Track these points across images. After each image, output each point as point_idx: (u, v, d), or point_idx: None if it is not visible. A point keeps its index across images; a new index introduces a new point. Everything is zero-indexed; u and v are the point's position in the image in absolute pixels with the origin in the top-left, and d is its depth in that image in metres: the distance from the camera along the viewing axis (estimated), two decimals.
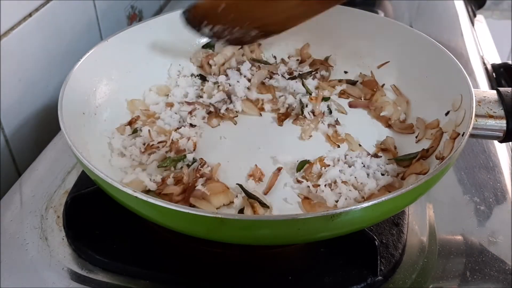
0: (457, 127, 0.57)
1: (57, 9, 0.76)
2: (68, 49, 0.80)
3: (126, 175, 0.57)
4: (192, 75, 0.75)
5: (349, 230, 0.48)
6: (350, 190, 0.55)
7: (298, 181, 0.57)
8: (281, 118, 0.68)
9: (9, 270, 0.53)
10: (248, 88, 0.71)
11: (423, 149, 0.58)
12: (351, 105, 0.70)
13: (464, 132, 0.52)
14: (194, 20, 0.61)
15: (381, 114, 0.67)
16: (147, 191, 0.55)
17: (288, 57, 0.78)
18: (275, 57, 0.79)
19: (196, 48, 0.77)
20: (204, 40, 0.76)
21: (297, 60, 0.78)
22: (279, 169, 0.59)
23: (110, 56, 0.67)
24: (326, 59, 0.77)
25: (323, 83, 0.74)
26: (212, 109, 0.68)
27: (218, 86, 0.71)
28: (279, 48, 0.79)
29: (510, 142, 0.62)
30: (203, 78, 0.74)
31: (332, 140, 0.64)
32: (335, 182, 0.56)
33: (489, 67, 0.91)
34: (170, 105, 0.69)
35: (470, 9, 1.12)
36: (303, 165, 0.59)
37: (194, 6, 0.60)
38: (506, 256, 0.54)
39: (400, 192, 0.44)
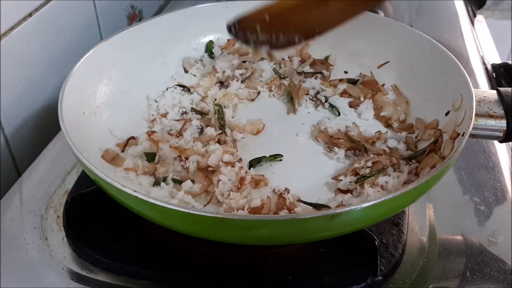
0: (457, 127, 0.57)
1: (57, 9, 0.76)
2: (68, 49, 0.80)
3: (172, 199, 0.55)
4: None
5: (349, 230, 0.48)
6: (378, 191, 0.54)
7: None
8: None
9: (9, 270, 0.53)
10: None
11: (431, 142, 0.58)
12: (351, 105, 0.70)
13: (464, 132, 0.52)
14: (239, 31, 0.63)
15: (381, 114, 0.67)
16: None
17: (288, 58, 0.78)
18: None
19: (196, 48, 0.77)
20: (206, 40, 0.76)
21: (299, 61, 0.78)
22: None
23: (110, 56, 0.67)
24: (326, 58, 0.77)
25: (325, 82, 0.74)
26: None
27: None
28: None
29: (510, 142, 0.62)
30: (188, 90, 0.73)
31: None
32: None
33: (489, 67, 0.91)
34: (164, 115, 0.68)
35: (470, 9, 1.12)
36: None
37: (239, 19, 0.62)
38: (506, 256, 0.54)
39: (400, 192, 0.44)
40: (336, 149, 0.62)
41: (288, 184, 0.56)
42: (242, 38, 0.62)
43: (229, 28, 0.62)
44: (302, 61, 0.77)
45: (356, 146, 0.62)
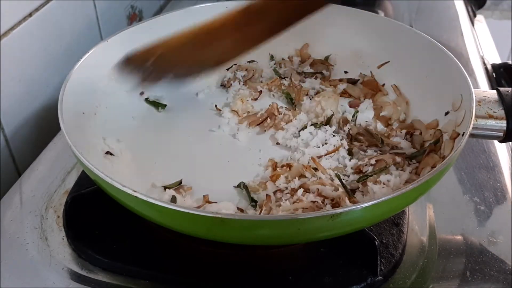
0: (457, 127, 0.57)
1: (57, 9, 0.76)
2: (68, 49, 0.80)
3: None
4: None
5: (349, 230, 0.48)
6: (383, 187, 0.54)
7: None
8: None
9: (9, 270, 0.53)
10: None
11: (430, 143, 0.58)
12: (351, 105, 0.70)
13: (464, 132, 0.52)
14: (133, 65, 0.64)
15: (381, 114, 0.67)
16: None
17: (288, 58, 0.78)
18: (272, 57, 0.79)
19: None
20: None
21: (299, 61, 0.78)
22: None
23: (110, 56, 0.67)
24: (326, 58, 0.77)
25: (325, 82, 0.74)
26: None
27: None
28: (280, 48, 0.79)
29: (510, 142, 0.62)
30: None
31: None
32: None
33: (489, 67, 0.91)
34: None
35: (470, 9, 1.12)
36: None
37: (130, 55, 0.64)
38: (506, 256, 0.54)
39: (400, 192, 0.44)
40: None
41: None
42: (139, 71, 0.64)
43: (122, 65, 0.64)
44: (302, 61, 0.77)
45: (375, 141, 0.62)
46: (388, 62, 0.72)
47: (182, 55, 0.64)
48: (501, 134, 0.56)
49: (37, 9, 0.72)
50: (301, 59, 0.78)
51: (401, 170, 0.57)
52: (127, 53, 0.63)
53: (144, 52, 0.63)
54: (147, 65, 0.63)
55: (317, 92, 0.72)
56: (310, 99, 0.71)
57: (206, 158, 0.62)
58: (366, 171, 0.57)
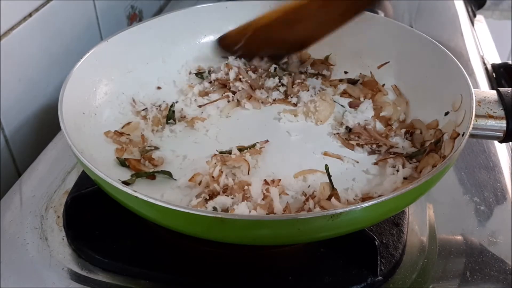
0: (457, 127, 0.57)
1: (57, 9, 0.76)
2: (68, 49, 0.80)
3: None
4: (190, 72, 0.75)
5: (349, 230, 0.48)
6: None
7: None
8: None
9: (9, 270, 0.53)
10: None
11: (431, 142, 0.58)
12: (351, 105, 0.70)
13: (464, 132, 0.52)
14: (227, 46, 0.68)
15: (381, 114, 0.67)
16: None
17: (287, 58, 0.78)
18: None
19: (196, 48, 0.77)
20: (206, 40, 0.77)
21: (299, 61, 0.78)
22: None
23: (110, 56, 0.67)
24: (326, 58, 0.77)
25: (325, 82, 0.74)
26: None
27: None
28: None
29: (510, 142, 0.62)
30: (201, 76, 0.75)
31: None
32: None
33: (489, 67, 0.91)
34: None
35: (470, 9, 1.12)
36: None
37: (224, 35, 0.68)
38: (506, 256, 0.54)
39: (400, 192, 0.44)
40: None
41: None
42: (229, 51, 0.67)
43: (216, 43, 0.68)
44: (302, 62, 0.77)
45: (374, 140, 0.62)
46: (388, 62, 0.72)
47: (271, 36, 0.66)
48: (501, 134, 0.56)
49: (37, 9, 0.72)
50: (301, 59, 0.78)
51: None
52: (220, 35, 0.68)
53: (236, 33, 0.67)
54: (238, 47, 0.67)
55: (319, 90, 0.72)
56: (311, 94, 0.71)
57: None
58: None
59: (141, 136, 0.63)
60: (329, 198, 0.53)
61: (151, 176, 0.58)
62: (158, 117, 0.66)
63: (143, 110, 0.67)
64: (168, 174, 0.58)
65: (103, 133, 0.62)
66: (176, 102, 0.70)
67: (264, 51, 0.68)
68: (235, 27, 0.69)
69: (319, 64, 0.76)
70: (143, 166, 0.59)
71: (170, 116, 0.67)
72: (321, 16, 0.64)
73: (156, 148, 0.62)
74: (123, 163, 0.59)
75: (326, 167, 0.57)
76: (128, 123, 0.65)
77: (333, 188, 0.55)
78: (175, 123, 0.66)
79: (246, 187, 0.54)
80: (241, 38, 0.66)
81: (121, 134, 0.62)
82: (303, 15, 0.64)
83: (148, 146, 0.62)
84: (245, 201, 0.52)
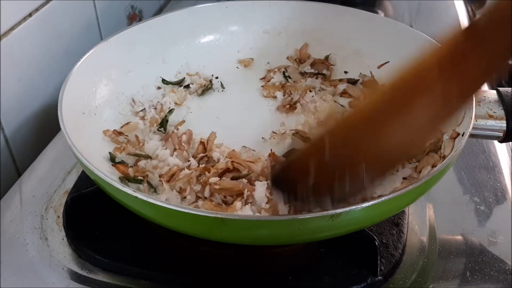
0: (457, 127, 0.56)
1: (57, 9, 0.76)
2: (68, 49, 0.80)
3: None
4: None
5: (349, 230, 0.48)
6: None
7: None
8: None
9: (9, 270, 0.53)
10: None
11: (430, 142, 0.58)
12: (351, 106, 0.70)
13: (464, 132, 0.52)
14: (288, 182, 0.42)
15: None
16: None
17: (287, 58, 0.78)
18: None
19: (196, 48, 0.77)
20: (206, 39, 0.77)
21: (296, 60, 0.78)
22: None
23: (110, 56, 0.67)
24: (326, 58, 0.77)
25: (325, 82, 0.74)
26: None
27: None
28: (279, 49, 0.79)
29: (510, 142, 0.62)
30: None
31: None
32: None
33: None
34: None
35: (470, 9, 1.12)
36: None
37: (284, 165, 0.42)
38: (506, 256, 0.54)
39: (400, 192, 0.44)
40: None
41: None
42: (291, 194, 0.42)
43: (273, 185, 0.45)
44: (302, 61, 0.77)
45: None
46: (388, 62, 0.72)
47: (355, 149, 0.39)
48: (501, 134, 0.56)
49: (37, 9, 0.72)
50: (301, 59, 0.78)
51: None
52: (273, 174, 0.45)
53: (296, 163, 0.42)
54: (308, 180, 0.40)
55: (319, 90, 0.72)
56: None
57: None
58: None
59: (135, 137, 0.63)
60: None
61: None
62: (156, 118, 0.66)
63: (142, 110, 0.67)
64: (151, 186, 0.56)
65: (102, 131, 0.62)
66: (173, 109, 0.68)
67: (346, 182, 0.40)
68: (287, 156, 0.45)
69: (319, 64, 0.76)
70: (130, 170, 0.58)
71: (162, 125, 0.65)
72: (447, 89, 0.37)
73: (148, 157, 0.60)
74: (113, 159, 0.59)
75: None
76: (127, 123, 0.65)
77: None
78: (165, 133, 0.65)
79: (249, 193, 0.52)
80: (307, 168, 0.40)
81: (120, 133, 0.62)
82: (416, 95, 0.38)
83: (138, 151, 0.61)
84: (249, 205, 0.52)
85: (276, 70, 0.76)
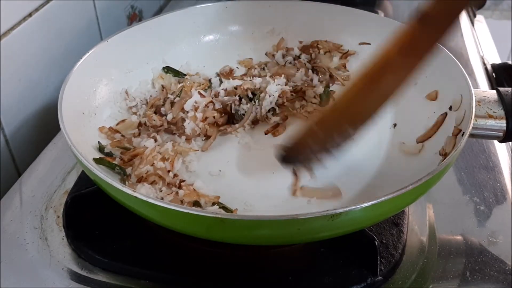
0: (457, 127, 0.57)
1: (57, 9, 0.76)
2: (68, 49, 0.80)
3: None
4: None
5: (349, 230, 0.48)
6: None
7: None
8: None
9: (9, 270, 0.53)
10: None
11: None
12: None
13: (464, 132, 0.52)
14: (292, 156, 0.55)
15: None
16: None
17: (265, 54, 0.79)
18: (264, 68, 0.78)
19: (196, 48, 0.77)
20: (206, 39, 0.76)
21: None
22: None
23: (110, 56, 0.67)
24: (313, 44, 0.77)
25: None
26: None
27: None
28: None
29: (510, 142, 0.62)
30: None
31: None
32: None
33: (489, 67, 0.91)
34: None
35: (470, 9, 1.12)
36: None
37: (288, 146, 0.55)
38: (506, 256, 0.54)
39: (400, 192, 0.44)
40: None
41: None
42: (296, 162, 0.56)
43: (279, 159, 0.56)
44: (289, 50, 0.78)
45: None
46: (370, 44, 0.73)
47: (348, 114, 0.53)
48: (501, 134, 0.56)
49: (37, 9, 0.72)
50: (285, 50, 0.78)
51: None
52: (282, 151, 0.55)
53: (299, 142, 0.55)
54: (308, 153, 0.54)
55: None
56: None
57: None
58: None
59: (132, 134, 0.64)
60: None
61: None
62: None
63: (134, 106, 0.67)
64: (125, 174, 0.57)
65: (97, 128, 0.62)
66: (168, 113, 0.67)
67: (335, 140, 0.54)
68: (293, 139, 0.55)
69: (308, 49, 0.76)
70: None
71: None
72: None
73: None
74: (102, 149, 0.59)
75: None
76: (123, 120, 0.65)
77: None
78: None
79: None
80: (307, 144, 0.54)
81: (116, 131, 0.63)
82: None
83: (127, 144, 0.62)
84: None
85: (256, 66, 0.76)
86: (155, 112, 0.66)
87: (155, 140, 0.61)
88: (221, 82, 0.73)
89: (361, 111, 0.52)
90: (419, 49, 0.48)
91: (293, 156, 0.56)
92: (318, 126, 0.54)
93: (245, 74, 0.75)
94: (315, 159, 0.54)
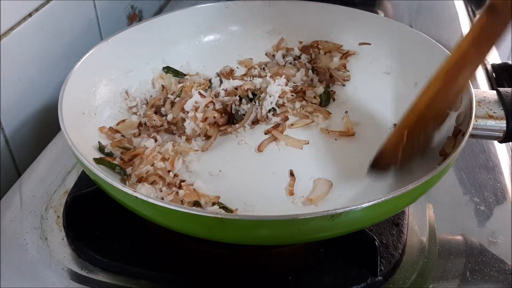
0: (457, 127, 0.57)
1: (57, 9, 0.76)
2: (68, 49, 0.80)
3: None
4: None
5: (349, 230, 0.48)
6: None
7: None
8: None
9: (9, 270, 0.53)
10: None
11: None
12: None
13: (464, 132, 0.52)
14: (384, 165, 0.57)
15: None
16: None
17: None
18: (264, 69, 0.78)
19: (196, 48, 0.77)
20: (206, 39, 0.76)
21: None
22: None
23: (110, 56, 0.67)
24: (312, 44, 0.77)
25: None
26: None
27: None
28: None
29: (510, 142, 0.62)
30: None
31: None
32: None
33: (489, 67, 0.91)
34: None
35: (470, 9, 1.12)
36: None
37: (379, 154, 0.57)
38: (506, 256, 0.54)
39: (400, 192, 0.44)
40: None
41: None
42: (387, 170, 0.57)
43: (370, 171, 0.57)
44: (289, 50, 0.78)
45: None
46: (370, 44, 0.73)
47: (435, 117, 0.56)
48: (501, 134, 0.56)
49: (37, 9, 0.72)
50: (284, 51, 0.78)
51: None
52: (372, 160, 0.57)
53: (390, 147, 0.56)
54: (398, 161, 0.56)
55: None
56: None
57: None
58: None
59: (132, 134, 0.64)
60: None
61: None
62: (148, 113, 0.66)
63: (134, 106, 0.67)
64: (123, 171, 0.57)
65: (98, 128, 0.62)
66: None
67: (421, 141, 0.56)
68: (383, 144, 0.57)
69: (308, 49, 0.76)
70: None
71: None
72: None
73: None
74: (102, 149, 0.59)
75: None
76: (123, 120, 0.65)
77: None
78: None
79: None
80: (397, 150, 0.56)
81: (116, 131, 0.63)
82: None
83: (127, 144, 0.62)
84: None
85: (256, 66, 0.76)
86: (155, 112, 0.66)
87: (155, 140, 0.61)
88: (221, 82, 0.73)
89: (443, 106, 0.56)
90: (489, 37, 0.52)
91: (386, 163, 0.57)
92: (405, 129, 0.55)
93: (245, 74, 0.75)
94: (405, 162, 0.56)
